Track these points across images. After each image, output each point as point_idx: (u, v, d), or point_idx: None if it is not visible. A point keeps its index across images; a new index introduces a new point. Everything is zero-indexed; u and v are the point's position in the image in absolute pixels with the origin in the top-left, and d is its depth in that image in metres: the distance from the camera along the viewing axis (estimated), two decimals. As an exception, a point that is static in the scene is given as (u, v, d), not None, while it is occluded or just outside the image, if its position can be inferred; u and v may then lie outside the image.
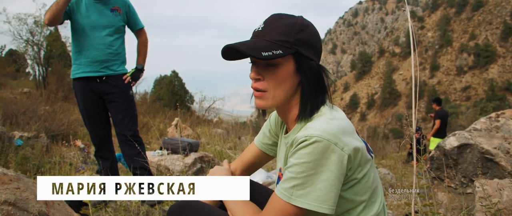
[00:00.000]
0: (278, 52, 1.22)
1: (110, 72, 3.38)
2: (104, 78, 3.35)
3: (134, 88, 3.58)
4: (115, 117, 3.44)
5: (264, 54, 1.20)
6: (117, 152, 6.62)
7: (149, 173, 3.51)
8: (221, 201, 1.48)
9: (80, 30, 3.28)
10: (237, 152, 7.12)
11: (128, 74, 3.48)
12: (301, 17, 1.33)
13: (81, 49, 3.28)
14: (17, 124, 8.26)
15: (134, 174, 3.45)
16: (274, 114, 1.63)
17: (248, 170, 1.71)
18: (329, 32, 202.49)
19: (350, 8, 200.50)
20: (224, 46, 1.26)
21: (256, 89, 1.32)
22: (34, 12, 18.54)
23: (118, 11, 3.39)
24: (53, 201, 2.33)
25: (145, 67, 3.71)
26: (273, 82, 1.28)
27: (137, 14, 3.61)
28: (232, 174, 1.67)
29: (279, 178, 1.42)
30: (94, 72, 3.32)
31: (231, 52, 1.30)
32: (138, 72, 3.61)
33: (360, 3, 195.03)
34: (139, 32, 3.67)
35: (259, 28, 1.30)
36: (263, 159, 1.69)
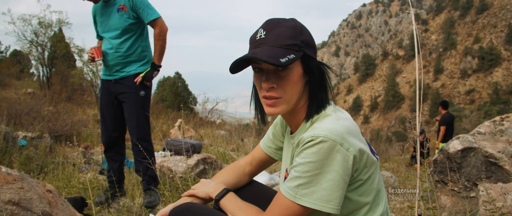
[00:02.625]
0: (291, 56, 1.22)
1: (123, 74, 3.35)
2: (118, 79, 3.36)
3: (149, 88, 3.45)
4: (125, 118, 3.42)
5: (282, 60, 1.19)
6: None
7: (154, 181, 3.46)
8: (218, 205, 1.48)
9: (100, 36, 3.41)
10: (240, 154, 7.12)
11: (141, 75, 3.36)
12: (295, 19, 1.33)
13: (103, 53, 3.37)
14: (21, 124, 8.30)
15: (137, 173, 3.46)
16: (279, 117, 1.63)
17: (258, 166, 1.72)
18: (332, 34, 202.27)
19: (354, 11, 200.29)
20: (237, 60, 1.25)
21: (270, 98, 1.29)
22: (39, 13, 18.64)
23: (124, 10, 3.29)
24: (56, 201, 2.33)
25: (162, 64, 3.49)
26: (287, 87, 1.27)
27: (149, 4, 3.35)
28: (244, 168, 1.69)
29: (285, 178, 1.42)
30: (109, 75, 3.38)
31: (238, 65, 1.29)
32: (151, 71, 3.39)
33: (364, 5, 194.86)
34: (152, 23, 3.34)
35: (260, 35, 1.28)
36: (269, 159, 1.70)
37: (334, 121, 1.23)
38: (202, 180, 1.62)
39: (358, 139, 1.23)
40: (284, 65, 1.19)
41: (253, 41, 1.30)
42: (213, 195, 1.50)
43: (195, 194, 1.56)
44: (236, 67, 1.30)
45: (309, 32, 1.32)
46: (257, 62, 1.28)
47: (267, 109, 1.32)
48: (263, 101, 1.33)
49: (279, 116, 1.59)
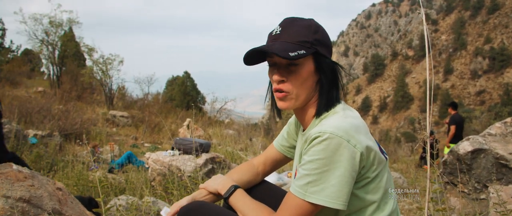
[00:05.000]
0: (302, 52, 1.26)
1: None
2: None
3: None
4: None
5: (291, 54, 1.23)
6: (128, 150, 6.67)
7: None
8: (227, 203, 1.48)
9: None
10: (248, 154, 7.12)
11: None
12: (313, 19, 1.37)
13: None
14: (31, 123, 8.38)
15: None
16: (294, 116, 1.64)
17: (271, 166, 1.73)
18: (341, 34, 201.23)
19: (363, 10, 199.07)
20: (249, 50, 1.30)
21: (280, 91, 1.34)
22: (49, 13, 18.78)
23: None
24: (66, 199, 2.35)
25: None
26: (296, 83, 1.31)
27: None
28: (258, 167, 1.70)
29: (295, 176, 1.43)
30: None
31: (252, 57, 1.34)
32: None
33: (373, 5, 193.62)
34: None
35: (276, 31, 1.34)
36: (283, 158, 1.71)
37: (342, 118, 1.25)
38: (214, 176, 1.63)
39: (365, 136, 1.24)
40: (293, 58, 1.23)
41: (269, 36, 1.36)
42: (222, 192, 1.51)
43: (205, 187, 1.58)
44: (251, 59, 1.35)
45: (325, 33, 1.36)
46: (271, 56, 1.34)
47: (278, 103, 1.37)
48: (275, 94, 1.38)
49: (294, 115, 1.60)
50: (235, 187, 1.49)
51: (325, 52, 1.33)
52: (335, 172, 1.16)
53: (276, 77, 1.33)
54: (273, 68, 1.35)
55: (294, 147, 1.65)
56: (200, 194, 1.57)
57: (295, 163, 1.51)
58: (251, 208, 1.37)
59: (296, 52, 1.24)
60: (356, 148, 1.18)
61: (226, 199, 1.48)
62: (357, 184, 1.25)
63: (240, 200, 1.44)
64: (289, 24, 1.33)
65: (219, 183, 1.56)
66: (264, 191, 1.66)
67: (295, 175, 1.43)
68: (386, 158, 1.34)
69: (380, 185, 1.29)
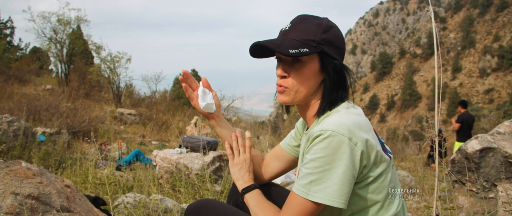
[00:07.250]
0: (304, 50, 1.25)
1: None
2: None
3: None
4: None
5: (291, 51, 1.23)
6: (135, 148, 6.70)
7: None
8: (241, 198, 1.49)
9: None
10: (255, 152, 7.11)
11: None
12: (327, 18, 1.35)
13: None
14: (40, 120, 8.44)
15: None
16: (301, 119, 1.65)
17: (273, 159, 1.72)
18: (349, 32, 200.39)
19: (371, 8, 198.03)
20: (253, 44, 1.31)
21: (280, 86, 1.35)
22: (58, 11, 18.89)
23: None
24: (74, 196, 2.37)
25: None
26: (298, 80, 1.32)
27: None
28: (263, 159, 1.73)
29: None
30: None
31: (258, 50, 1.35)
32: None
33: (381, 3, 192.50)
34: None
35: (286, 27, 1.34)
36: (284, 156, 1.70)
37: (343, 115, 1.25)
38: (244, 157, 1.60)
39: (367, 134, 1.23)
40: (292, 55, 1.24)
41: (280, 31, 1.36)
42: (241, 187, 1.51)
43: (232, 158, 1.60)
44: (259, 52, 1.37)
45: (338, 34, 1.35)
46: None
47: (278, 97, 1.38)
48: (276, 89, 1.39)
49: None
50: (254, 186, 1.50)
51: (333, 53, 1.32)
52: (337, 170, 1.16)
53: (278, 72, 1.35)
54: (279, 63, 1.36)
55: (299, 146, 1.65)
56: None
57: (299, 163, 1.52)
58: (261, 207, 1.38)
59: (297, 49, 1.24)
60: (357, 147, 1.17)
61: (243, 194, 1.48)
62: (359, 184, 1.24)
63: (254, 198, 1.44)
64: (299, 21, 1.32)
65: (241, 176, 1.56)
66: (273, 193, 1.66)
67: (298, 175, 1.44)
68: (390, 157, 1.33)
69: (384, 185, 1.28)
